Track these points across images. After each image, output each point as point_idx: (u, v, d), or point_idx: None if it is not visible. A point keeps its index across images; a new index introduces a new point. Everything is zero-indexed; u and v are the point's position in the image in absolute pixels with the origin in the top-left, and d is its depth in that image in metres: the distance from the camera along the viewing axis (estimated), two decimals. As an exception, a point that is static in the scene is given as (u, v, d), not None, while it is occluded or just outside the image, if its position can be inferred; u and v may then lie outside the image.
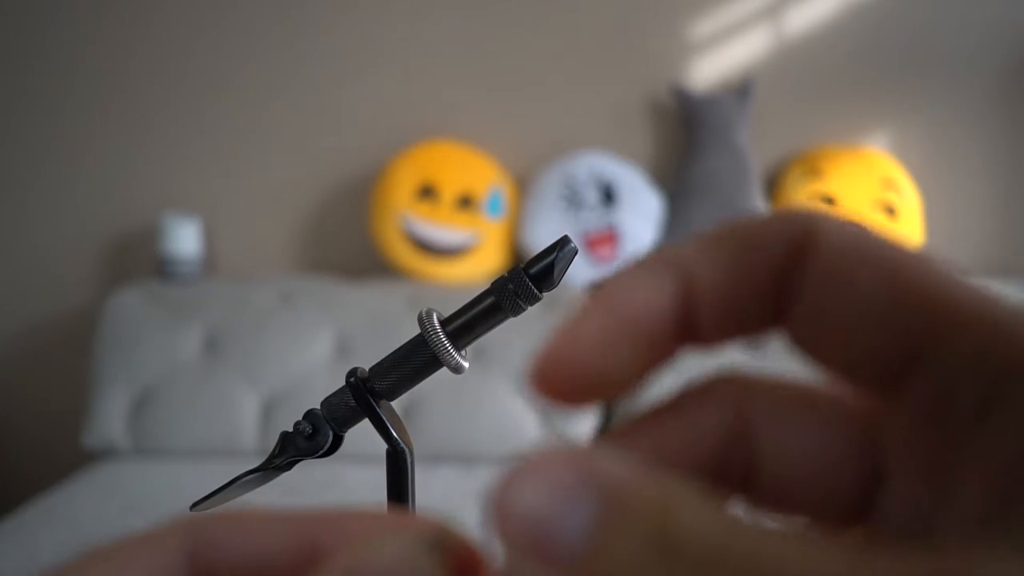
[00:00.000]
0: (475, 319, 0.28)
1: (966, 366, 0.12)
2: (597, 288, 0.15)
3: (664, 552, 0.11)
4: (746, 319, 0.15)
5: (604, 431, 0.15)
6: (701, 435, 0.15)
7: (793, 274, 0.14)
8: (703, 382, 0.15)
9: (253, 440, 1.39)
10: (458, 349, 0.29)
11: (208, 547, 0.16)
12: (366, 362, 0.34)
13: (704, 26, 1.73)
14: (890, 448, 0.14)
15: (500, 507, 0.12)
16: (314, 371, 1.41)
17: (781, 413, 0.15)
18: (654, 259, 0.15)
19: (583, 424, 1.41)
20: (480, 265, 1.61)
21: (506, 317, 0.28)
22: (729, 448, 0.15)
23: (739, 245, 0.15)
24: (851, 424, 0.14)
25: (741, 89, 1.67)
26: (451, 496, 1.21)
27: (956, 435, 0.12)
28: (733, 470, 0.15)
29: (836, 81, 1.75)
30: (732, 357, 1.42)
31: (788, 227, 0.15)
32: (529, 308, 0.28)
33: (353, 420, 0.35)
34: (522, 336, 1.44)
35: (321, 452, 0.36)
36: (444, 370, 0.30)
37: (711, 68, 1.74)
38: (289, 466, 0.37)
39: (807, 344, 0.15)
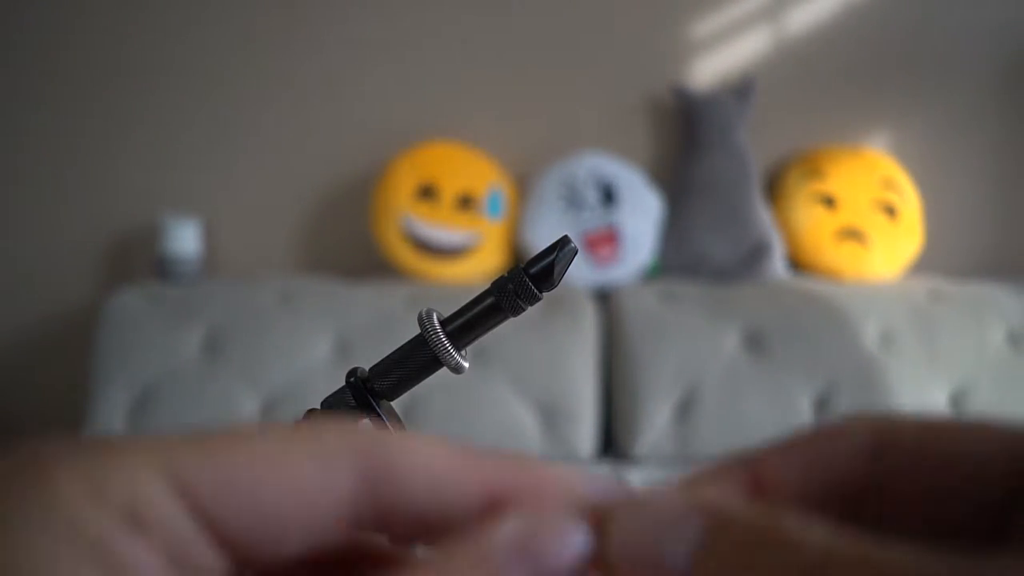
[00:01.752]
0: (475, 319, 0.28)
1: None
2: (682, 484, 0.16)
3: (775, 547, 0.13)
4: (819, 512, 0.16)
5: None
6: (839, 461, 0.16)
7: (870, 469, 0.15)
8: (839, 420, 0.16)
9: (253, 440, 1.39)
10: (458, 349, 0.29)
11: (384, 483, 0.15)
12: (366, 362, 0.34)
13: (704, 26, 1.73)
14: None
15: (613, 538, 0.14)
16: (314, 371, 1.41)
17: (918, 451, 0.15)
18: (725, 462, 0.16)
19: (584, 425, 1.41)
20: (480, 265, 1.61)
21: (506, 317, 0.28)
22: (858, 481, 0.16)
23: (813, 449, 0.16)
24: (987, 469, 0.15)
25: (741, 89, 1.67)
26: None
27: None
28: (862, 503, 0.16)
29: (836, 81, 1.75)
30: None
31: (859, 431, 0.16)
32: (529, 308, 0.28)
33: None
34: (522, 336, 1.44)
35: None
36: (444, 370, 0.30)
37: (711, 68, 1.74)
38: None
39: (910, 519, 0.15)
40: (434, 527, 0.15)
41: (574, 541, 0.14)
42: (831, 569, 0.12)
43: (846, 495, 0.16)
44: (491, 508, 0.15)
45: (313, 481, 0.14)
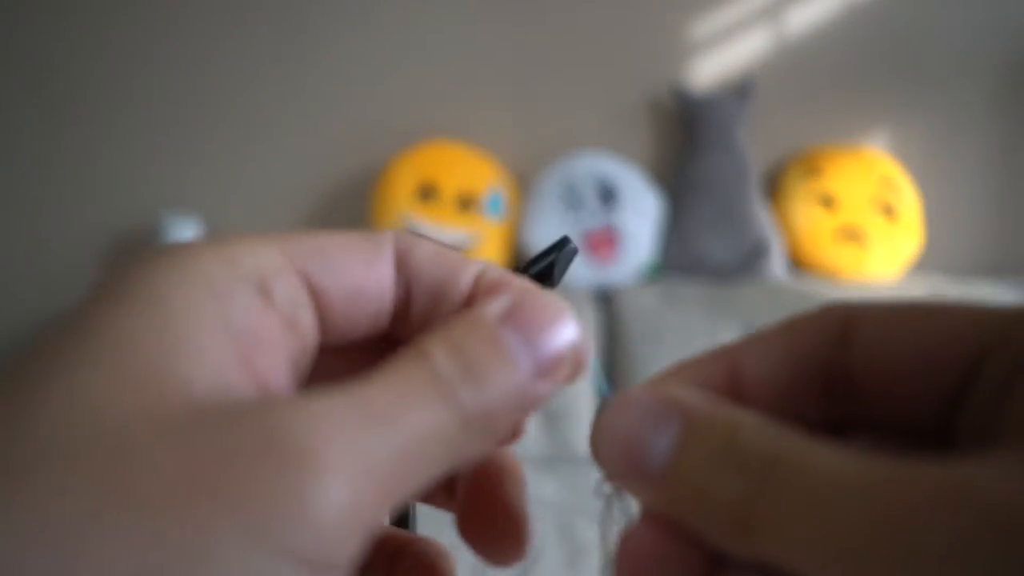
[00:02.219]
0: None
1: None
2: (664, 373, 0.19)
3: (729, 461, 0.14)
4: (793, 401, 0.17)
5: None
6: (810, 350, 0.17)
7: (838, 357, 0.17)
8: (812, 311, 0.18)
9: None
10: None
11: (408, 259, 0.19)
12: (366, 362, 0.34)
13: (704, 26, 1.73)
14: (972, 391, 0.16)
15: (600, 432, 0.16)
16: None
17: (883, 329, 0.17)
18: (710, 352, 0.18)
19: (584, 426, 1.41)
20: (480, 265, 1.61)
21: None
22: (832, 362, 0.17)
23: (783, 335, 0.18)
24: (946, 345, 0.16)
25: (741, 89, 1.67)
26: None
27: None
28: (833, 382, 0.17)
29: (836, 81, 1.75)
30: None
31: (826, 318, 0.17)
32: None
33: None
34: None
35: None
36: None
37: (711, 68, 1.74)
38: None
39: (870, 401, 0.17)
40: (438, 305, 0.19)
41: (558, 318, 0.17)
42: (777, 471, 0.14)
43: (819, 382, 0.17)
44: (473, 294, 0.19)
45: (370, 256, 0.19)
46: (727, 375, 0.18)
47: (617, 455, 0.16)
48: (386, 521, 0.22)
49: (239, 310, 0.16)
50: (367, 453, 0.14)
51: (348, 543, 0.14)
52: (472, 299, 0.19)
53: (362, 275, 0.18)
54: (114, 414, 0.13)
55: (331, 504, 0.13)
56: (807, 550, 0.13)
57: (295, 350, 0.17)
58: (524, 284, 0.19)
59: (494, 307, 0.17)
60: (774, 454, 0.14)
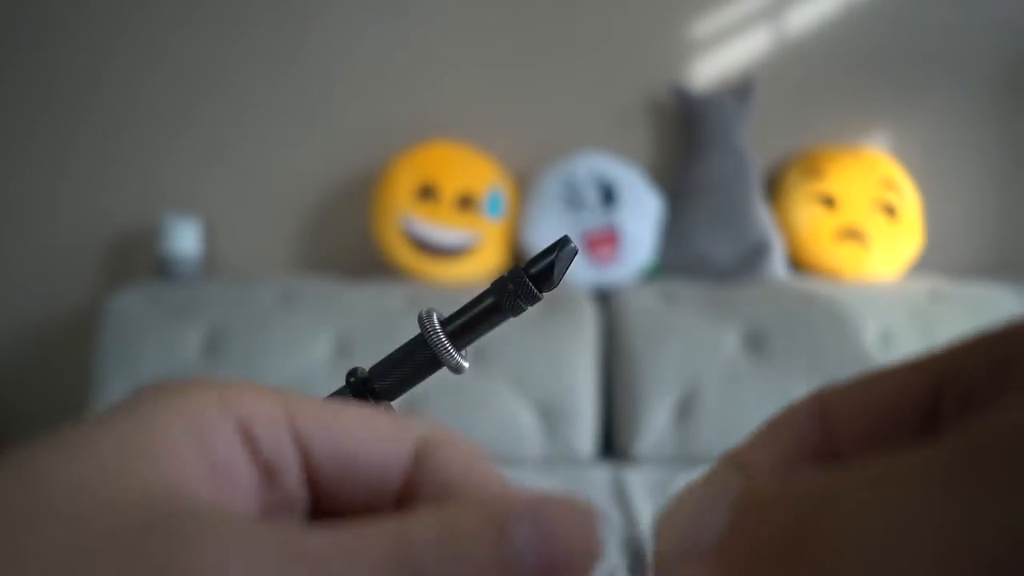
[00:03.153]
0: (475, 319, 0.28)
1: (974, 372, 0.17)
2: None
3: (775, 513, 0.15)
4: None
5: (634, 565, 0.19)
6: (794, 443, 0.19)
7: (824, 428, 0.19)
8: (793, 407, 0.19)
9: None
10: (458, 349, 0.29)
11: (430, 456, 0.18)
12: (366, 362, 0.34)
13: (704, 26, 1.73)
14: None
15: (661, 523, 0.17)
16: (314, 371, 1.41)
17: (849, 402, 0.18)
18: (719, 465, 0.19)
19: (584, 426, 1.41)
20: (480, 265, 1.61)
21: (506, 317, 0.28)
22: (819, 435, 0.19)
23: (778, 430, 0.19)
24: (916, 390, 0.18)
25: (741, 89, 1.67)
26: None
27: (981, 405, 0.16)
28: (822, 449, 0.19)
29: (836, 81, 1.75)
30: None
31: (807, 404, 0.19)
32: (529, 308, 0.28)
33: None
34: (522, 336, 1.44)
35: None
36: (444, 370, 0.30)
37: (711, 68, 1.74)
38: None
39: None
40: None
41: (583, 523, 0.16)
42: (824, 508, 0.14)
43: (811, 467, 0.19)
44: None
45: (386, 439, 0.18)
46: (742, 475, 0.19)
47: (673, 540, 0.17)
48: None
49: (217, 443, 0.16)
50: None
51: None
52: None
53: (366, 453, 0.18)
54: (57, 510, 0.14)
55: None
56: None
57: (273, 499, 0.17)
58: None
59: (508, 501, 0.16)
60: (819, 482, 0.14)
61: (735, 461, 0.19)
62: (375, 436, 0.18)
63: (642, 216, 1.60)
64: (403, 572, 0.14)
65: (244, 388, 0.17)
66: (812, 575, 0.14)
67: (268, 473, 0.17)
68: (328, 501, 0.18)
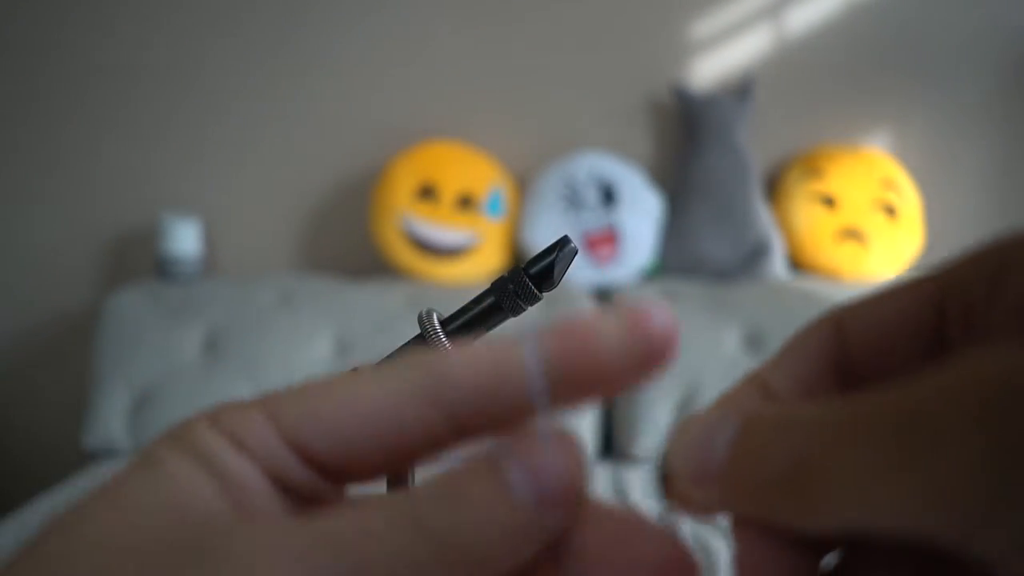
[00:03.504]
0: (475, 319, 0.28)
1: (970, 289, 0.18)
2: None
3: (777, 440, 0.16)
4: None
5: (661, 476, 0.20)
6: (817, 356, 0.20)
7: (841, 354, 0.20)
8: (810, 323, 0.20)
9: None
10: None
11: (445, 391, 0.18)
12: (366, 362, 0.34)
13: (704, 26, 1.73)
14: (952, 320, 0.18)
15: (671, 446, 0.18)
16: (314, 371, 1.41)
17: (868, 318, 0.19)
18: (740, 383, 0.20)
19: (584, 426, 1.41)
20: (480, 265, 1.61)
21: (506, 317, 0.28)
22: (837, 359, 0.20)
23: (795, 354, 0.20)
24: (922, 307, 0.18)
25: (741, 89, 1.67)
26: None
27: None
28: (844, 377, 0.20)
29: (836, 81, 1.75)
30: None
31: (824, 327, 0.20)
32: (529, 308, 0.28)
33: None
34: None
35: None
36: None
37: (711, 68, 1.74)
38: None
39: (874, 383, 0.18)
40: (490, 419, 0.18)
41: (569, 449, 0.17)
42: (821, 433, 0.15)
43: (832, 382, 0.19)
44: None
45: (379, 406, 0.18)
46: (762, 395, 0.20)
47: (682, 466, 0.18)
48: None
49: (220, 461, 0.17)
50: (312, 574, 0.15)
51: None
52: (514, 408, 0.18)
53: (357, 419, 0.18)
54: (93, 540, 0.16)
55: None
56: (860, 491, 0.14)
57: (292, 499, 0.18)
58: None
59: (497, 445, 0.17)
60: (816, 420, 0.15)
61: (756, 380, 0.20)
62: (360, 407, 0.18)
63: (642, 216, 1.59)
64: (418, 534, 0.15)
65: (225, 409, 0.18)
66: (806, 507, 0.15)
67: (269, 472, 0.18)
68: (355, 472, 0.19)
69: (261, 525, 0.16)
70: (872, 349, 0.19)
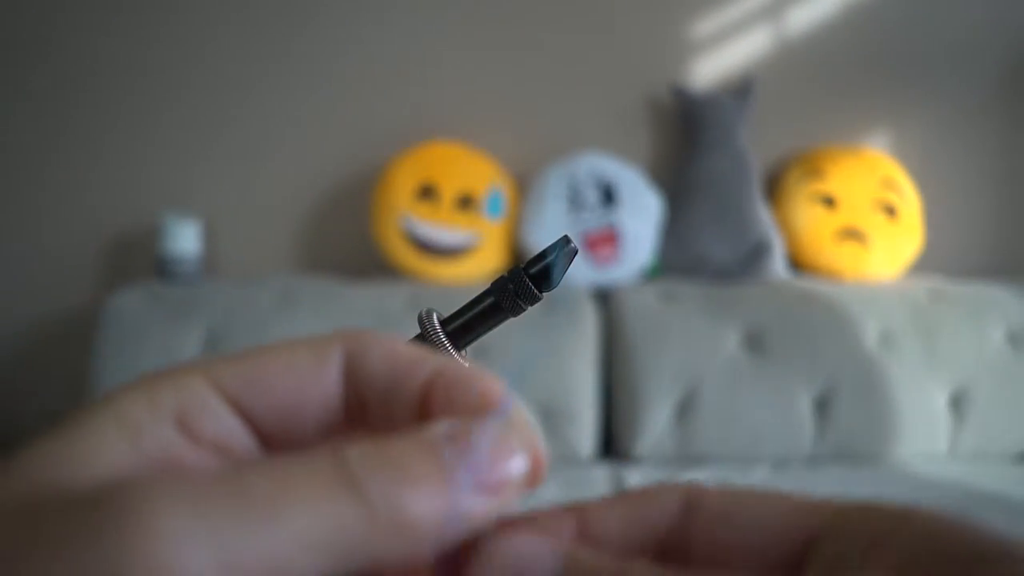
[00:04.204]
0: (475, 319, 0.28)
1: (848, 543, 0.17)
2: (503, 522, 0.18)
3: None
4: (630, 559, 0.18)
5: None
6: (649, 518, 0.19)
7: (678, 529, 0.19)
8: (651, 486, 0.19)
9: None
10: (458, 349, 0.29)
11: (359, 366, 0.19)
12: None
13: (704, 26, 1.73)
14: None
15: (492, 555, 0.17)
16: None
17: (720, 514, 0.18)
18: (562, 507, 0.19)
19: (584, 426, 1.41)
20: (480, 265, 1.61)
21: (506, 317, 0.28)
22: (669, 536, 0.19)
23: (633, 502, 0.19)
24: (779, 529, 0.18)
25: (741, 89, 1.67)
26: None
27: None
28: (672, 557, 0.18)
29: (836, 81, 1.75)
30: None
31: (675, 492, 0.19)
32: (529, 308, 0.28)
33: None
34: (522, 336, 1.44)
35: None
36: (444, 370, 0.30)
37: (712, 68, 1.74)
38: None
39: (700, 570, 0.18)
40: (391, 412, 0.19)
41: (510, 450, 0.17)
42: None
43: (659, 548, 0.18)
44: (425, 402, 0.18)
45: (311, 370, 0.18)
46: (577, 529, 0.18)
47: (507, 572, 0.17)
48: None
49: (151, 442, 0.16)
50: (225, 538, 0.14)
51: None
52: (426, 406, 0.18)
53: (299, 391, 0.18)
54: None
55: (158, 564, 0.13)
56: None
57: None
58: (481, 395, 0.18)
59: (441, 425, 0.17)
60: None
61: (576, 511, 0.19)
62: (307, 375, 0.18)
63: (642, 216, 1.59)
64: (352, 497, 0.15)
65: (171, 378, 0.18)
66: None
67: (220, 452, 0.17)
68: (277, 443, 0.18)
69: (162, 475, 0.15)
70: (722, 547, 0.18)
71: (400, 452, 0.16)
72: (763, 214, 1.64)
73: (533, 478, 0.17)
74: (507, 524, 0.18)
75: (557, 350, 1.42)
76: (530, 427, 0.18)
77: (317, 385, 0.18)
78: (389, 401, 0.18)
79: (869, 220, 1.62)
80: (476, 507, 0.16)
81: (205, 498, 0.14)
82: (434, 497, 0.16)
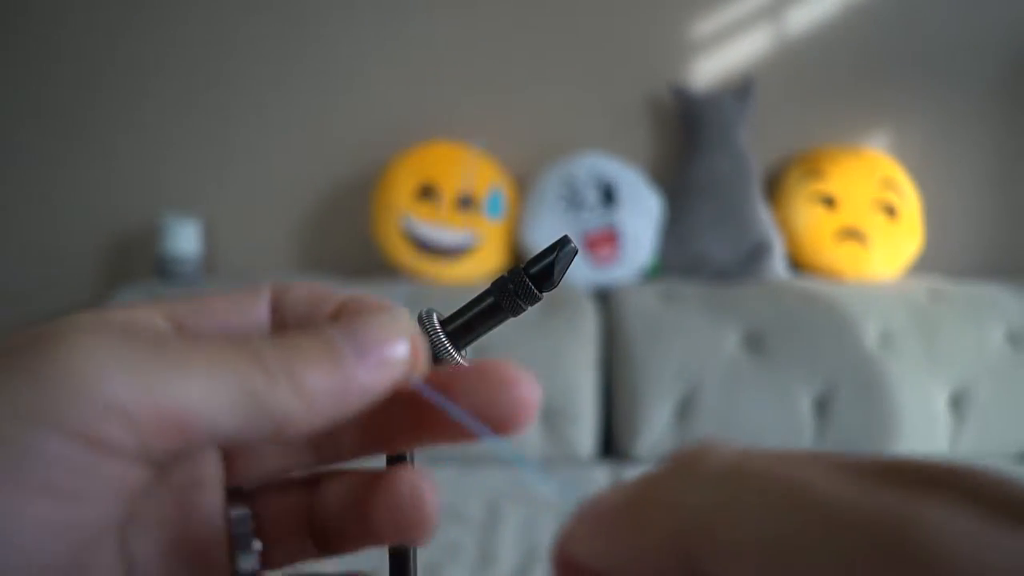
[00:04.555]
0: (475, 319, 0.28)
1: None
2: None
3: None
4: None
5: None
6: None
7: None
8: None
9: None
10: (458, 349, 0.29)
11: (283, 300, 0.23)
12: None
13: (705, 26, 1.73)
14: None
15: (560, 553, 0.17)
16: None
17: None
18: None
19: (584, 426, 1.41)
20: (480, 265, 1.61)
21: (506, 317, 0.28)
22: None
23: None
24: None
25: (741, 89, 1.67)
26: (452, 495, 1.21)
27: None
28: None
29: (836, 81, 1.75)
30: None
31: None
32: (529, 308, 0.28)
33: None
34: (522, 336, 1.44)
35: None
36: (444, 370, 0.30)
37: (712, 68, 1.74)
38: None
39: None
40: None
41: (391, 333, 0.20)
42: None
43: None
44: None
45: (245, 302, 0.22)
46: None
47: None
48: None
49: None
50: (144, 376, 0.17)
51: (120, 429, 0.16)
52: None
53: (236, 318, 0.22)
54: None
55: (87, 375, 0.16)
56: None
57: None
58: (377, 308, 0.22)
59: (335, 326, 0.20)
60: None
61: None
62: (242, 307, 0.22)
63: (642, 216, 1.60)
64: (251, 354, 0.18)
65: (128, 310, 0.20)
66: None
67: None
68: None
69: (92, 325, 0.18)
70: None
71: (298, 339, 0.19)
72: (763, 214, 1.64)
73: (414, 360, 0.21)
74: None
75: (557, 350, 1.42)
76: (412, 325, 0.21)
77: (250, 314, 0.22)
78: (307, 325, 0.22)
79: (869, 220, 1.62)
80: (367, 379, 0.19)
81: (130, 343, 0.18)
82: (327, 371, 0.19)
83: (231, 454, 0.23)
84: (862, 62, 1.74)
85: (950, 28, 1.73)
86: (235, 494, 0.23)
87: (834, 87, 1.75)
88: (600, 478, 1.33)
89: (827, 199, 1.63)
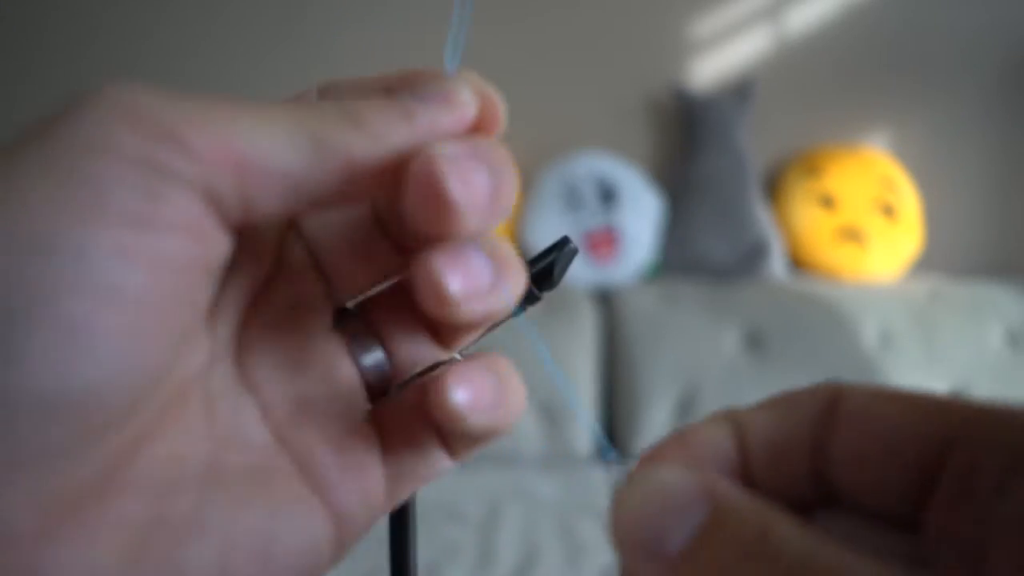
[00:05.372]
0: (475, 319, 0.28)
1: (985, 453, 0.15)
2: (674, 433, 0.18)
3: (758, 556, 0.14)
4: (789, 470, 0.18)
5: None
6: (802, 424, 0.18)
7: (823, 434, 0.17)
8: (810, 387, 0.18)
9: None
10: (459, 349, 0.29)
11: (328, 95, 0.24)
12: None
13: (704, 26, 1.73)
14: (934, 521, 0.16)
15: (619, 510, 0.15)
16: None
17: (863, 408, 0.17)
18: (717, 414, 0.18)
19: (584, 425, 1.41)
20: (480, 265, 1.61)
21: (506, 317, 0.28)
22: (817, 438, 0.17)
23: (782, 406, 0.18)
24: (915, 433, 0.16)
25: (741, 89, 1.67)
26: (452, 494, 1.21)
27: (981, 509, 0.14)
28: (817, 459, 0.17)
29: (836, 81, 1.75)
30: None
31: (820, 393, 0.18)
32: (529, 308, 0.28)
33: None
34: (522, 336, 1.44)
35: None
36: (444, 370, 0.30)
37: (711, 68, 1.74)
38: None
39: (845, 480, 0.17)
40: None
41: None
42: (808, 573, 0.13)
43: (808, 458, 0.17)
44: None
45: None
46: (736, 444, 0.18)
47: (633, 534, 0.15)
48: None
49: (147, 161, 0.18)
50: (192, 109, 0.17)
51: (179, 158, 0.16)
52: None
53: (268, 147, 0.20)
54: None
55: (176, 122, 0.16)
56: None
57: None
58: (433, 74, 0.22)
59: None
60: (809, 555, 0.14)
61: (732, 421, 0.18)
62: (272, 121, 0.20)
63: (642, 216, 1.60)
64: (310, 106, 0.19)
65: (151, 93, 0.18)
66: None
67: (205, 189, 0.18)
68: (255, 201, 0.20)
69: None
70: (857, 453, 0.17)
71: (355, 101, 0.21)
72: (762, 214, 1.64)
73: (491, 118, 0.22)
74: (657, 450, 0.18)
75: (557, 350, 1.42)
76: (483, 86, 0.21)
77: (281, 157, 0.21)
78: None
79: (868, 220, 1.62)
80: (428, 114, 0.20)
81: (174, 94, 0.17)
82: (385, 105, 0.20)
83: (328, 273, 0.23)
84: (862, 62, 1.74)
85: (950, 28, 1.73)
86: (341, 312, 0.23)
87: (834, 87, 1.75)
88: (600, 478, 1.33)
89: (826, 199, 1.63)
